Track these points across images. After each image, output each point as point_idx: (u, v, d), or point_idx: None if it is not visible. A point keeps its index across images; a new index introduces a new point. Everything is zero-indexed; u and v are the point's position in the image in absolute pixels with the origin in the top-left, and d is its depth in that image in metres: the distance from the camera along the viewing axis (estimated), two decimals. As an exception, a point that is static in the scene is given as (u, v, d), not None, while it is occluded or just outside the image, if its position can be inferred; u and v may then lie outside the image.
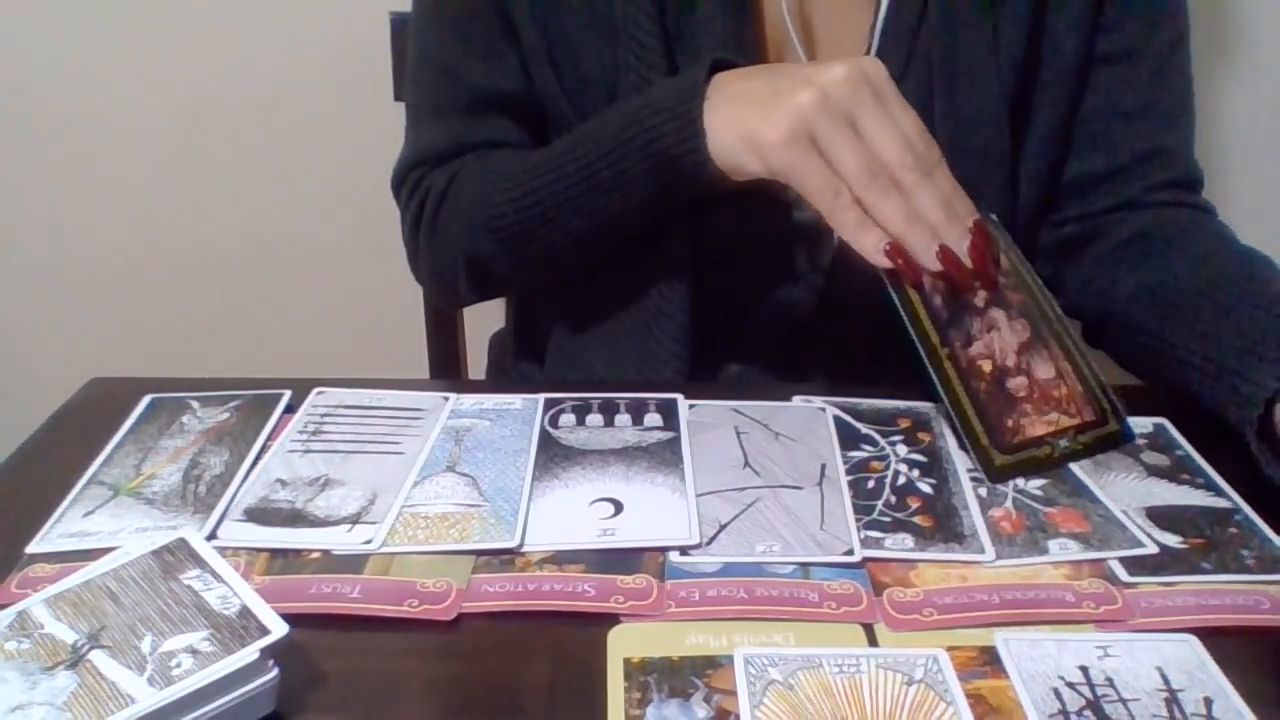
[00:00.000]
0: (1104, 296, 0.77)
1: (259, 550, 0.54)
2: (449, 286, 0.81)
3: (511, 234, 0.72)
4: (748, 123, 0.61)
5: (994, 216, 0.67)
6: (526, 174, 0.71)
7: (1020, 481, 0.60)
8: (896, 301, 0.62)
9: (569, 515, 0.57)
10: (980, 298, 0.63)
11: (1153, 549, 0.54)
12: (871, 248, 0.61)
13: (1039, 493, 0.59)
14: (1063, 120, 0.77)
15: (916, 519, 0.57)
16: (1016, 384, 0.63)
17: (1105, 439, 0.63)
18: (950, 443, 0.63)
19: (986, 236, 0.63)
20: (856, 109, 0.60)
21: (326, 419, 0.66)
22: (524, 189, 0.71)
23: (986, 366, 0.62)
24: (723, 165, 0.64)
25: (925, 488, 0.59)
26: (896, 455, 0.62)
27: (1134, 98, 0.77)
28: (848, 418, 0.66)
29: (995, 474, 0.60)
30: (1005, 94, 0.73)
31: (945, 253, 0.61)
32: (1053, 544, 0.55)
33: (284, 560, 0.54)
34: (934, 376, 0.62)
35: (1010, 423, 0.61)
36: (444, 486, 0.59)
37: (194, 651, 0.43)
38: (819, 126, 0.59)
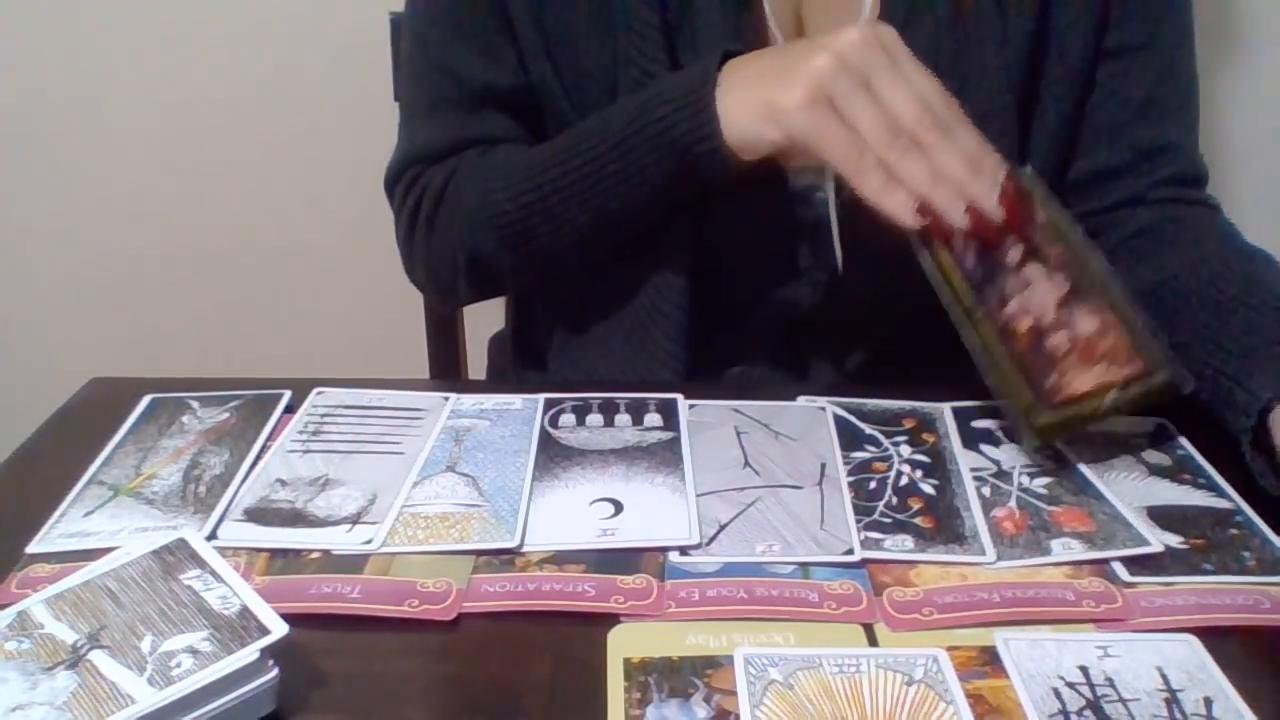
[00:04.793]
0: None
1: (259, 550, 0.54)
2: (446, 286, 0.80)
3: (514, 231, 0.72)
4: (765, 93, 0.61)
5: (1029, 169, 0.65)
6: (529, 169, 0.71)
7: (1025, 480, 0.60)
8: (928, 264, 0.61)
9: (569, 515, 0.57)
10: (1015, 254, 0.61)
11: (1158, 547, 0.54)
12: (899, 207, 0.60)
13: (1044, 491, 0.59)
14: (1069, 117, 0.76)
15: (917, 520, 0.56)
16: (1057, 341, 0.60)
17: (1156, 390, 0.59)
18: (954, 443, 0.63)
19: (1018, 189, 0.61)
20: (872, 71, 0.60)
21: (326, 419, 0.66)
22: (527, 185, 0.70)
23: (1023, 325, 0.60)
24: (738, 144, 0.64)
25: (928, 488, 0.59)
26: (900, 456, 0.62)
27: (1139, 93, 0.76)
28: (851, 418, 0.66)
29: (1038, 434, 0.59)
30: (1013, 89, 0.73)
31: (972, 209, 0.60)
32: (1055, 543, 0.55)
33: (284, 560, 0.53)
34: (969, 339, 0.60)
35: (1051, 381, 0.59)
36: (444, 486, 0.59)
37: (194, 651, 0.43)
38: (837, 89, 0.59)
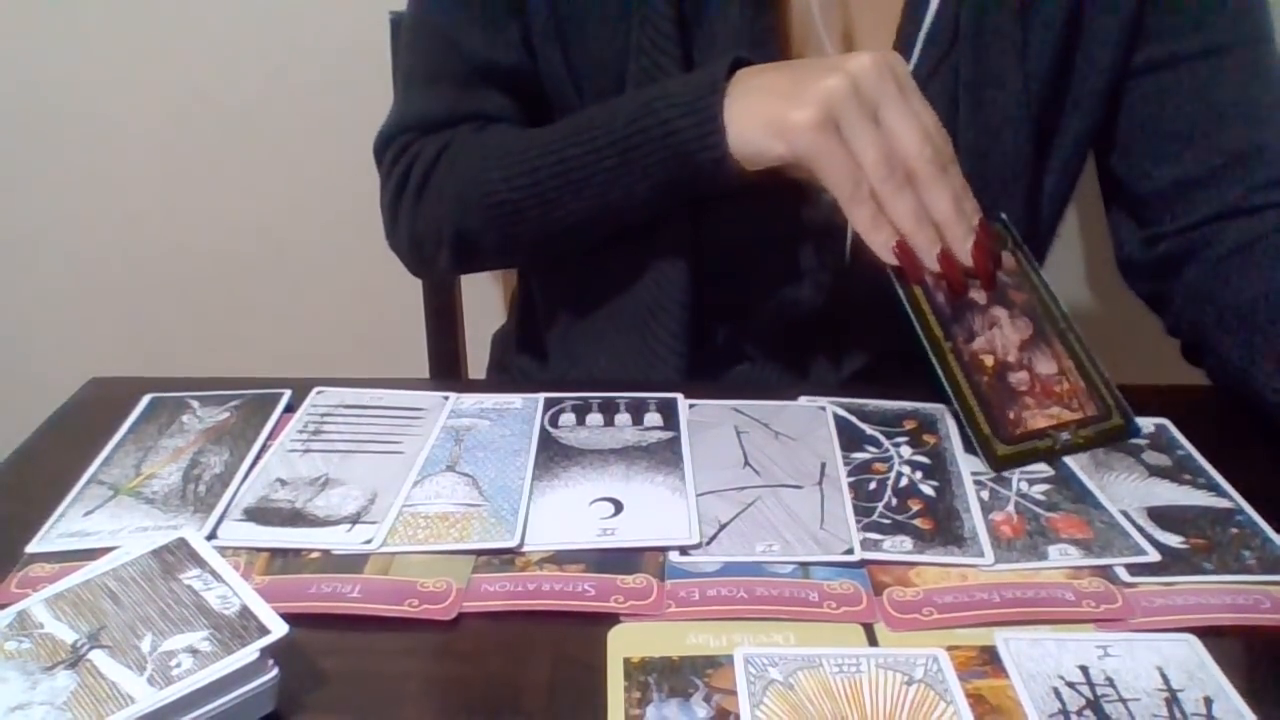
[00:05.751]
0: (1200, 318, 0.72)
1: (259, 550, 0.54)
2: (428, 256, 0.79)
3: (504, 211, 0.71)
4: (775, 107, 0.61)
5: (1003, 215, 0.67)
6: (526, 152, 0.70)
7: (1024, 485, 0.60)
8: (902, 296, 0.63)
9: (569, 515, 0.56)
10: (983, 296, 0.64)
11: (1154, 556, 0.54)
12: (881, 244, 0.61)
13: (1042, 497, 0.59)
14: (1089, 134, 0.75)
15: (917, 521, 0.56)
16: (1018, 379, 0.64)
17: (1109, 433, 0.64)
18: (955, 445, 0.63)
19: (991, 237, 0.63)
20: (880, 99, 0.60)
21: (326, 418, 0.66)
22: (523, 166, 0.70)
23: (989, 361, 0.64)
24: (742, 155, 0.64)
25: (927, 490, 0.59)
26: (900, 457, 0.62)
27: (1226, 94, 0.72)
28: (853, 419, 0.66)
29: (997, 463, 0.61)
30: (1031, 102, 0.72)
31: (945, 257, 0.62)
32: (1053, 549, 0.54)
33: (284, 560, 0.53)
34: (938, 369, 0.63)
35: (1012, 415, 0.62)
36: (444, 486, 0.59)
37: (194, 651, 0.43)
38: (846, 113, 0.59)
